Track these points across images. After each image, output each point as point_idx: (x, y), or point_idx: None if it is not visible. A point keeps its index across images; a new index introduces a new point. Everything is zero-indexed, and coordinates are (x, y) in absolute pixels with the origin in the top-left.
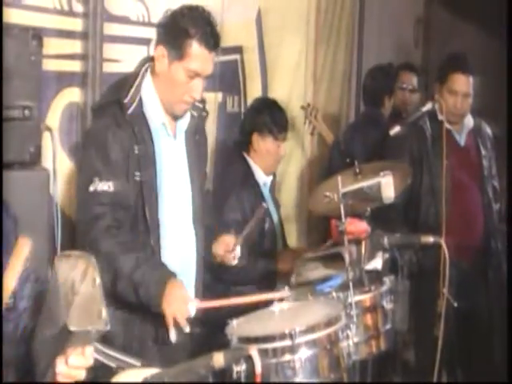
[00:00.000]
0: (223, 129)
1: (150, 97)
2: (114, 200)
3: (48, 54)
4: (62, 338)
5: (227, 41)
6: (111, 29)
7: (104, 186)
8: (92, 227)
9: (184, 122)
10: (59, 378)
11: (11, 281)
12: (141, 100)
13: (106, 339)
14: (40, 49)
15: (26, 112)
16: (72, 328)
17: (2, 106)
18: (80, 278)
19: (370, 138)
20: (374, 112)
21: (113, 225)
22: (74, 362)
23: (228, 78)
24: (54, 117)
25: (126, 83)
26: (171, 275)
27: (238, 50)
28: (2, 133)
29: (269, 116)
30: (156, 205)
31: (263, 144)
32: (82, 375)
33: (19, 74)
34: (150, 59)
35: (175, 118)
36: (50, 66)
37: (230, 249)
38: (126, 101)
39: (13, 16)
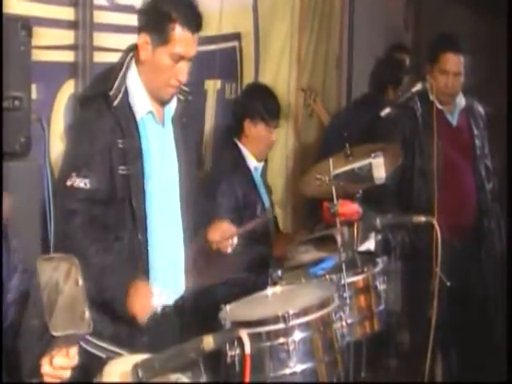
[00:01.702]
0: (221, 116)
1: (135, 86)
2: (90, 197)
3: (46, 45)
4: (45, 342)
5: (226, 28)
6: (111, 18)
7: (81, 182)
8: (67, 223)
9: (171, 107)
10: (45, 379)
11: None
12: (126, 90)
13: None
14: (29, 39)
15: (16, 103)
16: (55, 333)
17: (2, 96)
18: (63, 278)
19: (366, 119)
20: (376, 95)
21: (87, 222)
22: (59, 363)
23: (227, 65)
24: (59, 107)
25: (110, 74)
26: (134, 278)
27: (237, 36)
28: (1, 123)
29: (261, 102)
30: (143, 198)
31: (255, 130)
32: (67, 375)
33: (8, 64)
34: (134, 48)
35: (162, 103)
36: (54, 56)
37: (226, 236)
38: (111, 93)
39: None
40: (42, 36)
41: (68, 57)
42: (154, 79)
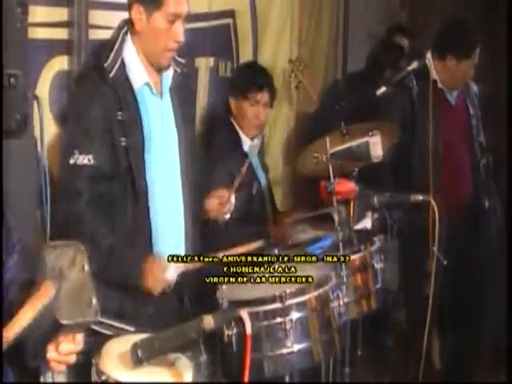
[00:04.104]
0: (214, 94)
1: (132, 58)
2: (95, 173)
3: (37, 22)
4: (53, 329)
5: (219, 5)
6: None
7: (84, 159)
8: (73, 203)
9: (168, 78)
10: (51, 364)
11: (26, 318)
12: (123, 63)
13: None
14: (25, 16)
15: (12, 80)
16: (63, 321)
17: (2, 74)
18: (68, 264)
19: (360, 95)
20: (373, 74)
21: (93, 200)
22: (65, 349)
23: (220, 43)
24: (45, 85)
25: (104, 49)
26: (148, 252)
27: (231, 13)
28: (1, 101)
29: (242, 80)
30: (143, 169)
31: (240, 109)
32: (72, 360)
33: (4, 41)
34: (127, 22)
35: (160, 71)
36: (39, 34)
37: (224, 200)
38: (106, 65)
39: None
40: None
41: (54, 34)
42: (151, 46)
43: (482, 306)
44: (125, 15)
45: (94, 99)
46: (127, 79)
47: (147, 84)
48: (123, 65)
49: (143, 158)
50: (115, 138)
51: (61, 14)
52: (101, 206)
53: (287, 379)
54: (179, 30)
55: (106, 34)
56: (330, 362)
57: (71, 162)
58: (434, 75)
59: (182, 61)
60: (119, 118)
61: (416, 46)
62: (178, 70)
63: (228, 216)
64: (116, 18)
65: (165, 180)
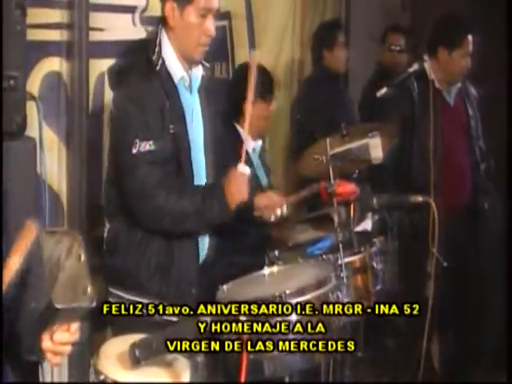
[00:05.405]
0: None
1: (169, 53)
2: (157, 156)
3: (30, 24)
4: (48, 315)
5: None
6: None
7: (146, 145)
8: (142, 187)
9: (197, 77)
10: (46, 355)
11: (14, 262)
12: (163, 57)
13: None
14: (24, 18)
15: (12, 82)
16: (58, 306)
17: (1, 76)
18: (65, 254)
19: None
20: (316, 71)
21: (161, 178)
22: (60, 338)
23: (215, 45)
24: (33, 87)
25: (149, 42)
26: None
27: (227, 16)
28: (1, 103)
29: (264, 81)
30: (190, 157)
31: (255, 110)
32: (67, 351)
33: (4, 43)
34: (161, 19)
35: (192, 66)
36: (29, 35)
37: (272, 206)
38: (154, 58)
39: None
40: None
41: (44, 35)
42: (185, 41)
43: (481, 307)
44: (124, 17)
45: (147, 89)
46: (168, 73)
47: (183, 78)
48: (163, 58)
49: (189, 145)
50: (166, 125)
51: (53, 15)
52: (168, 181)
53: (287, 380)
54: (210, 25)
55: (103, 36)
56: (330, 363)
57: (134, 151)
58: (431, 75)
59: (208, 65)
60: (167, 106)
61: (415, 48)
62: (203, 72)
63: (273, 218)
64: (114, 19)
65: (197, 172)
